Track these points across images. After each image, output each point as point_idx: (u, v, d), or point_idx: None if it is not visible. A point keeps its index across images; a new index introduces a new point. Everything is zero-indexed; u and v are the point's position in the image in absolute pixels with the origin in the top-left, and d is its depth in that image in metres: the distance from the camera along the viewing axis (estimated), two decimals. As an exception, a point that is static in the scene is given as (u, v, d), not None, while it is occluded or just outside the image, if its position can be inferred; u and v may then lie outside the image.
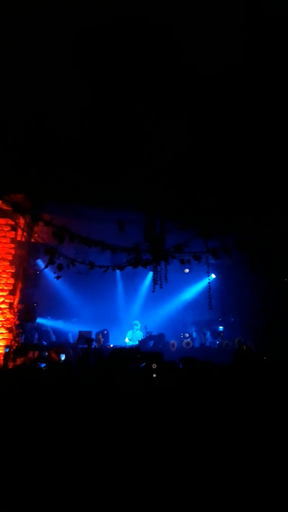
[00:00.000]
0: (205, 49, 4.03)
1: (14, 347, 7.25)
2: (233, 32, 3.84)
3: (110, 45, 4.04)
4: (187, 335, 10.50)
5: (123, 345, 10.22)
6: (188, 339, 10.25)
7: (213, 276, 11.51)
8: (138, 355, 5.77)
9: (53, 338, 9.86)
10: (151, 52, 4.07)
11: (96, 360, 6.23)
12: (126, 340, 10.77)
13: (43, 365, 5.50)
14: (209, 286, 9.44)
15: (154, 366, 4.71)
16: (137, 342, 10.31)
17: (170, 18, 3.69)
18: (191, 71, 4.30)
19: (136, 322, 11.13)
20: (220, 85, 4.53)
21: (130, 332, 10.96)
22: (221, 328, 11.49)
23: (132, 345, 10.06)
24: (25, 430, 3.02)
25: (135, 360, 5.39)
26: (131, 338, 10.80)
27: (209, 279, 9.55)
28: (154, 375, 4.55)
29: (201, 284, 12.05)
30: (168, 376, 4.38)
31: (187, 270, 10.01)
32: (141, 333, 10.88)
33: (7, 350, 6.98)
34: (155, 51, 4.04)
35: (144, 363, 4.88)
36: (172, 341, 9.92)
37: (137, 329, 11.00)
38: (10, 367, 6.61)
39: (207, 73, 4.34)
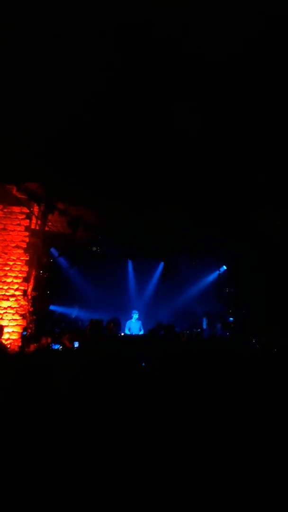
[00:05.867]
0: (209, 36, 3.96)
1: (28, 333, 7.41)
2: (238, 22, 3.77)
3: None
4: (197, 326, 10.55)
5: (127, 334, 10.25)
6: (198, 330, 10.31)
7: (224, 267, 11.52)
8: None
9: (65, 325, 10.02)
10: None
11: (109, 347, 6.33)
12: (127, 330, 10.74)
13: (56, 346, 5.61)
14: (219, 277, 9.51)
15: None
16: (136, 332, 10.34)
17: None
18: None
19: (135, 311, 11.03)
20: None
21: (128, 322, 10.89)
22: (231, 319, 11.53)
23: (140, 334, 10.15)
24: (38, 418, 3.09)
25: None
26: (129, 328, 10.75)
27: (219, 271, 9.62)
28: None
29: (212, 275, 12.09)
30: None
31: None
32: (140, 322, 10.81)
33: (24, 334, 7.15)
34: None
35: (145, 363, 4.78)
36: (182, 332, 9.99)
37: (136, 319, 10.91)
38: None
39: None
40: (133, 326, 10.73)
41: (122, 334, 9.93)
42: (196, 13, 3.73)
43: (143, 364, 4.43)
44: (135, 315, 10.88)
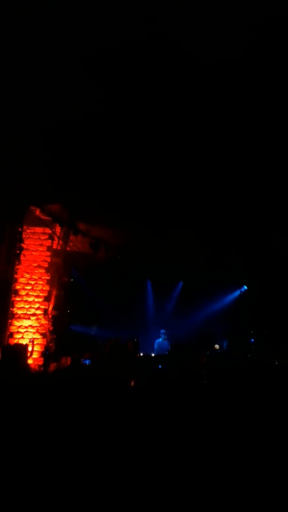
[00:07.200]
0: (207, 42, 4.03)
1: (48, 352, 7.48)
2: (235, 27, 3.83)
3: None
4: (217, 346, 10.40)
5: (149, 354, 10.26)
6: (218, 351, 10.17)
7: (245, 287, 11.40)
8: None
9: (85, 344, 10.05)
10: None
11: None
12: (157, 348, 10.82)
13: (87, 361, 5.73)
14: (240, 298, 9.41)
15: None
16: (164, 351, 10.33)
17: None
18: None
19: (163, 331, 11.16)
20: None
21: (157, 342, 11.01)
22: (252, 340, 11.33)
23: (160, 355, 10.11)
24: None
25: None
26: (159, 346, 10.85)
27: (240, 291, 9.53)
28: None
29: (233, 296, 11.96)
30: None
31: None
32: (167, 342, 10.92)
33: (47, 353, 7.23)
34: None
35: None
36: (201, 353, 9.86)
37: (164, 339, 11.03)
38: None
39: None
40: (161, 345, 10.83)
41: (141, 354, 9.90)
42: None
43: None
44: (164, 335, 10.99)
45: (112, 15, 3.77)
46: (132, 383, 4.56)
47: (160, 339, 10.97)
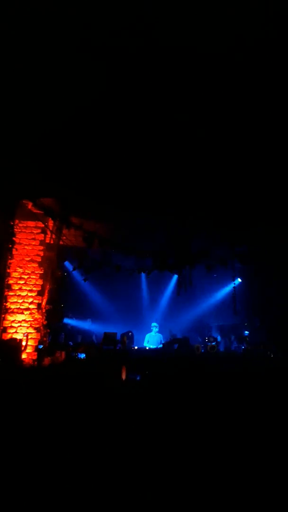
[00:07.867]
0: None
1: (43, 347, 7.45)
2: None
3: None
4: (212, 339, 10.43)
5: (143, 347, 10.22)
6: (213, 343, 10.20)
7: (239, 280, 11.41)
8: None
9: (79, 338, 10.06)
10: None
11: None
12: (146, 343, 10.73)
13: (82, 355, 5.74)
14: (234, 290, 9.42)
15: None
16: (155, 345, 10.29)
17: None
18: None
19: (155, 324, 11.01)
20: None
21: (148, 335, 10.88)
22: (246, 332, 11.38)
23: (154, 348, 10.10)
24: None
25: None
26: (148, 341, 10.73)
27: (234, 283, 9.53)
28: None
29: (227, 288, 11.98)
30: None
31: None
32: (160, 335, 10.81)
33: (41, 347, 7.21)
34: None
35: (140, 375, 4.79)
36: (196, 345, 9.89)
37: (156, 332, 10.88)
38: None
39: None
40: (152, 339, 10.65)
41: (136, 347, 9.91)
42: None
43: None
44: (155, 328, 10.78)
45: (109, 10, 3.73)
46: (124, 376, 4.55)
47: (152, 333, 10.83)
